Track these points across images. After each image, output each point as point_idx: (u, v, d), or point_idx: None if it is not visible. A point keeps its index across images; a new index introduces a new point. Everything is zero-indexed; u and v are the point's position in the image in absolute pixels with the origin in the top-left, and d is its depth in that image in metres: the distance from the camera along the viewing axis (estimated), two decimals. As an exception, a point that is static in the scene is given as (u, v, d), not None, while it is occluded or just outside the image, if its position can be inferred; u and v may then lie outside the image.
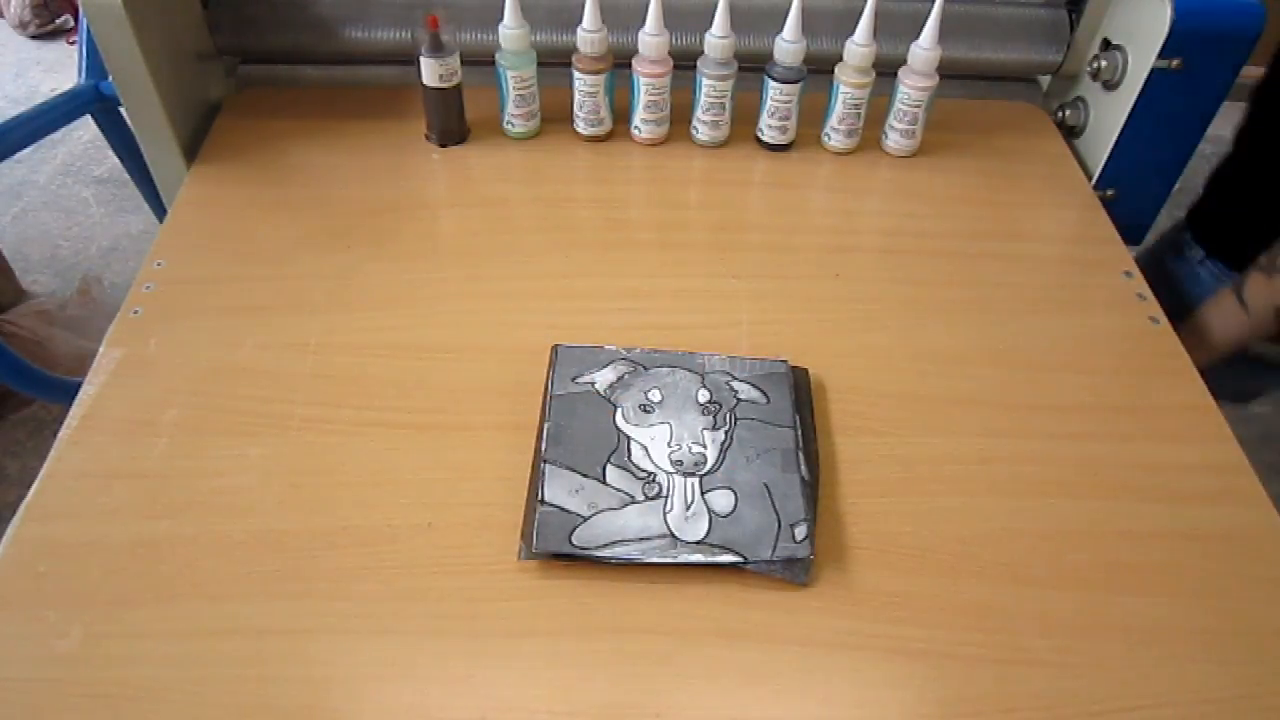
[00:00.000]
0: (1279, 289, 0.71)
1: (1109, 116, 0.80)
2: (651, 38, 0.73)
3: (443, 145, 0.79)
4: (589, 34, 0.73)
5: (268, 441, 0.56)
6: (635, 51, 0.75)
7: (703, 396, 0.57)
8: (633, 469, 0.53)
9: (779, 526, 0.51)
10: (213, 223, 0.72)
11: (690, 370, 0.59)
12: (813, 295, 0.68)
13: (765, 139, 0.80)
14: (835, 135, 0.79)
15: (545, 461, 0.53)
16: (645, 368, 0.59)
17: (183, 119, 0.77)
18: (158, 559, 0.50)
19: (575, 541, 0.50)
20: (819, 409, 0.59)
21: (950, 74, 0.78)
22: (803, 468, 0.54)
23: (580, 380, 0.58)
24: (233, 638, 0.47)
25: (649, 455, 0.54)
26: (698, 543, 0.50)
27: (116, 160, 1.18)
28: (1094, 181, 0.81)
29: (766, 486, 0.53)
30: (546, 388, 0.58)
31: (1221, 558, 0.53)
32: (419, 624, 0.48)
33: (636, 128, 0.79)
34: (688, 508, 0.52)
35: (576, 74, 0.76)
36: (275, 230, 0.71)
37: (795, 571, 0.50)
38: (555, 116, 0.80)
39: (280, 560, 0.50)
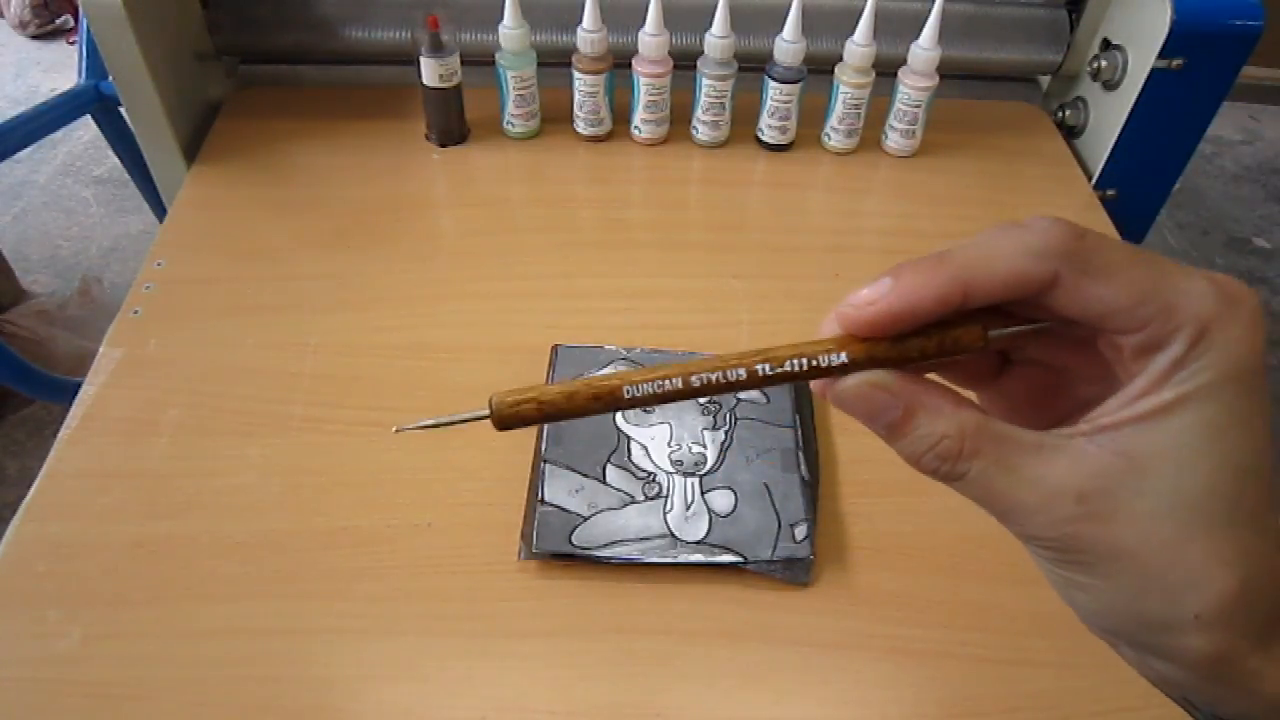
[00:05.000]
0: None
1: (1109, 116, 0.80)
2: (651, 38, 0.73)
3: (443, 145, 0.79)
4: (589, 34, 0.73)
5: (268, 441, 0.56)
6: (635, 51, 0.75)
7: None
8: (633, 469, 0.53)
9: (779, 526, 0.51)
10: (213, 223, 0.72)
11: (690, 370, 0.59)
12: (813, 295, 0.68)
13: (765, 139, 0.80)
14: (835, 135, 0.79)
15: (545, 461, 0.53)
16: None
17: (183, 119, 0.76)
18: (158, 559, 0.50)
19: (575, 541, 0.50)
20: (819, 409, 0.59)
21: (950, 74, 0.78)
22: (803, 468, 0.54)
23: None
24: (233, 638, 0.47)
25: (649, 455, 0.54)
26: (698, 543, 0.50)
27: (116, 160, 1.18)
28: (1094, 181, 0.81)
29: (766, 486, 0.53)
30: (546, 388, 0.58)
31: (1221, 558, 0.52)
32: (419, 624, 0.48)
33: (636, 128, 0.79)
34: (688, 508, 0.52)
35: (576, 74, 0.76)
36: (275, 230, 0.71)
37: (795, 572, 0.50)
38: (555, 116, 0.80)
39: (280, 560, 0.50)
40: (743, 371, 0.24)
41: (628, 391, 0.24)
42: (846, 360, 0.23)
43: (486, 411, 0.26)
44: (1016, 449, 0.22)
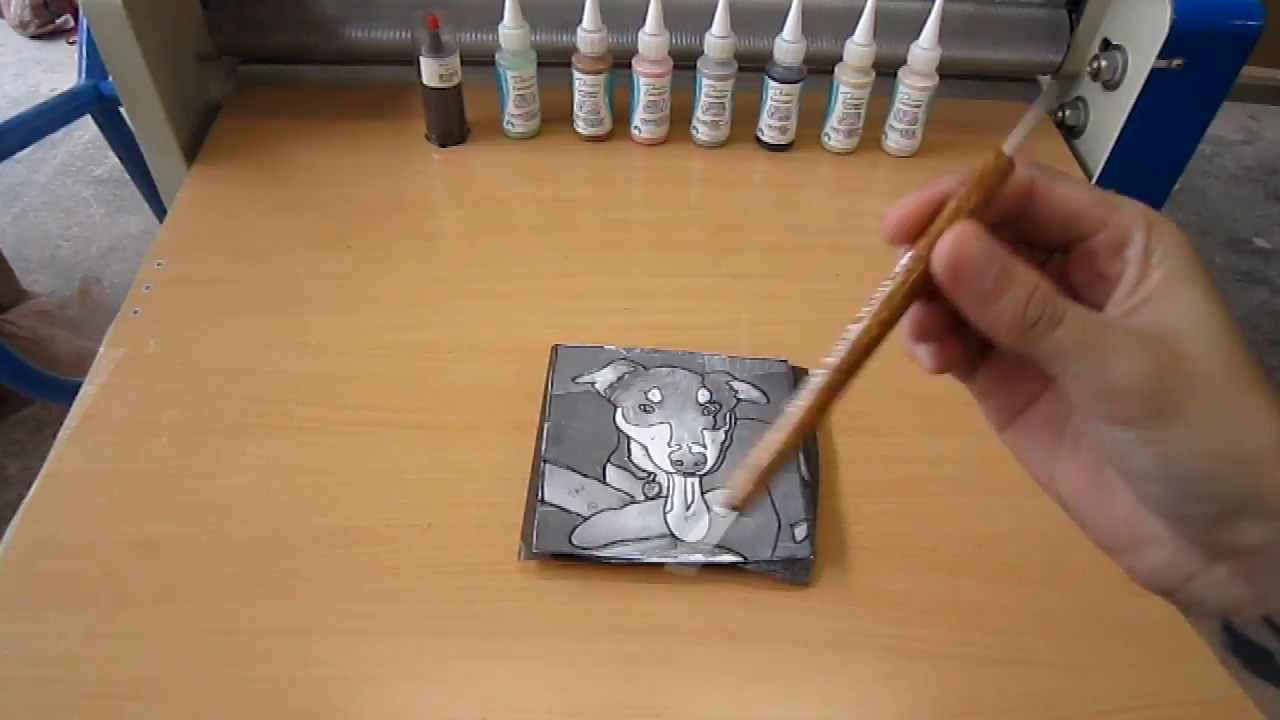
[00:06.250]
0: None
1: (1109, 116, 0.80)
2: (651, 38, 0.73)
3: (443, 145, 0.79)
4: (589, 34, 0.73)
5: (268, 441, 0.56)
6: (635, 51, 0.75)
7: (703, 396, 0.57)
8: (633, 469, 0.53)
9: (779, 526, 0.51)
10: (213, 223, 0.72)
11: (690, 370, 0.59)
12: (813, 295, 0.68)
13: (765, 139, 0.80)
14: (835, 135, 0.79)
15: (545, 461, 0.53)
16: (645, 368, 0.59)
17: (183, 119, 0.76)
18: (158, 559, 0.50)
19: (575, 541, 0.50)
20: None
21: (950, 74, 0.78)
22: (803, 468, 0.54)
23: (580, 380, 0.58)
24: (233, 638, 0.47)
25: (649, 455, 0.54)
26: (698, 543, 0.50)
27: (116, 160, 1.18)
28: (1094, 181, 0.81)
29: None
30: (546, 388, 0.58)
31: (1221, 558, 0.52)
32: (419, 624, 0.48)
33: (636, 128, 0.79)
34: (688, 508, 0.52)
35: (576, 74, 0.76)
36: (275, 230, 0.71)
37: (795, 572, 0.50)
38: (555, 116, 0.80)
39: (280, 560, 0.50)
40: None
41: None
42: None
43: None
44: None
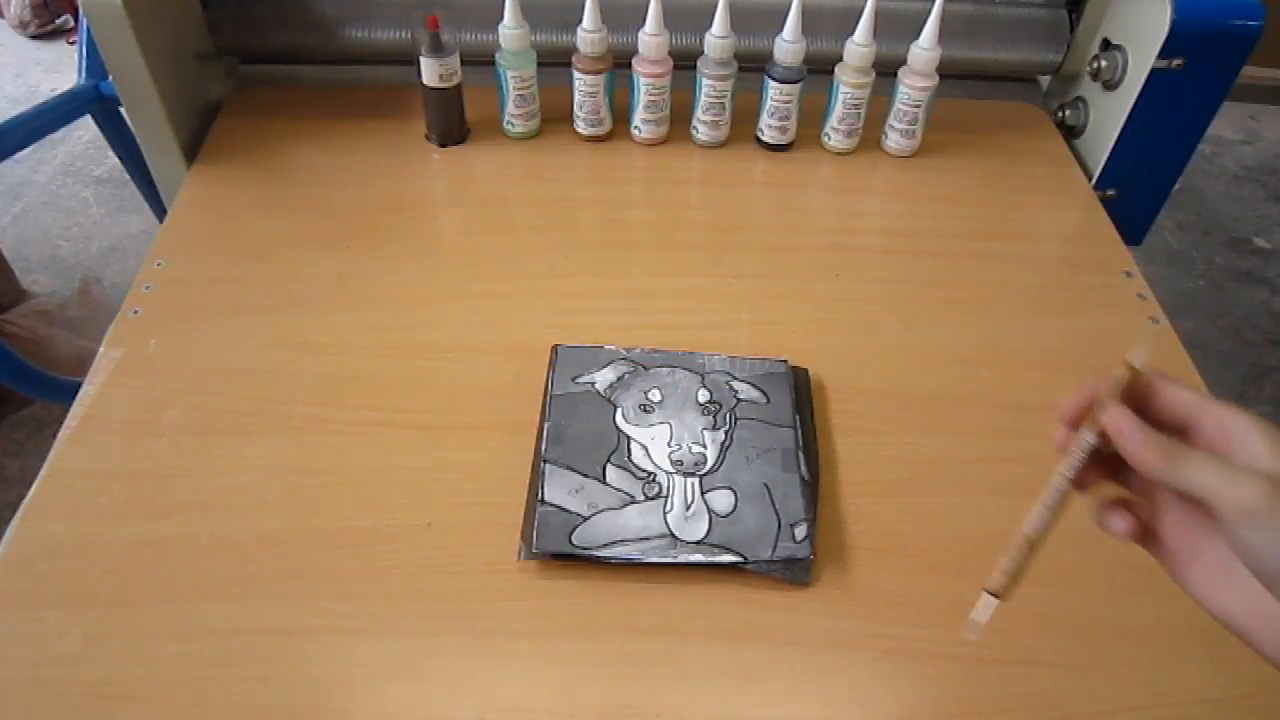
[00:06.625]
0: None
1: (1109, 116, 0.80)
2: (651, 38, 0.73)
3: (443, 145, 0.79)
4: (589, 34, 0.73)
5: (268, 441, 0.56)
6: (635, 51, 0.75)
7: (703, 396, 0.57)
8: (633, 469, 0.53)
9: (779, 526, 0.51)
10: (213, 223, 0.72)
11: (690, 370, 0.59)
12: (813, 295, 0.68)
13: (765, 139, 0.80)
14: (835, 135, 0.79)
15: (545, 461, 0.53)
16: (645, 368, 0.59)
17: (183, 119, 0.76)
18: (158, 559, 0.50)
19: (575, 541, 0.50)
20: (819, 409, 0.59)
21: (950, 74, 0.78)
22: (803, 468, 0.54)
23: (580, 380, 0.58)
24: (233, 638, 0.47)
25: (649, 455, 0.54)
26: (698, 543, 0.50)
27: (116, 160, 1.18)
28: (1094, 181, 0.81)
29: (766, 486, 0.53)
30: (546, 388, 0.58)
31: (1221, 558, 0.52)
32: (419, 624, 0.48)
33: (636, 128, 0.79)
34: (688, 508, 0.52)
35: (576, 74, 0.76)
36: (275, 230, 0.71)
37: (795, 572, 0.50)
38: (555, 116, 0.80)
39: (280, 560, 0.50)
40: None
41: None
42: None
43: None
44: None
